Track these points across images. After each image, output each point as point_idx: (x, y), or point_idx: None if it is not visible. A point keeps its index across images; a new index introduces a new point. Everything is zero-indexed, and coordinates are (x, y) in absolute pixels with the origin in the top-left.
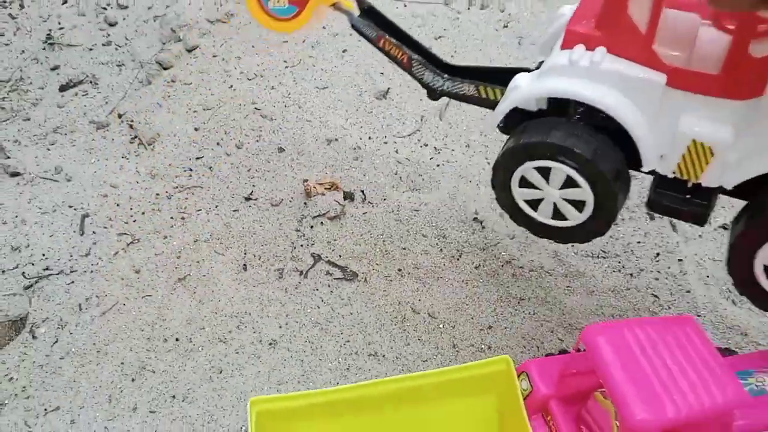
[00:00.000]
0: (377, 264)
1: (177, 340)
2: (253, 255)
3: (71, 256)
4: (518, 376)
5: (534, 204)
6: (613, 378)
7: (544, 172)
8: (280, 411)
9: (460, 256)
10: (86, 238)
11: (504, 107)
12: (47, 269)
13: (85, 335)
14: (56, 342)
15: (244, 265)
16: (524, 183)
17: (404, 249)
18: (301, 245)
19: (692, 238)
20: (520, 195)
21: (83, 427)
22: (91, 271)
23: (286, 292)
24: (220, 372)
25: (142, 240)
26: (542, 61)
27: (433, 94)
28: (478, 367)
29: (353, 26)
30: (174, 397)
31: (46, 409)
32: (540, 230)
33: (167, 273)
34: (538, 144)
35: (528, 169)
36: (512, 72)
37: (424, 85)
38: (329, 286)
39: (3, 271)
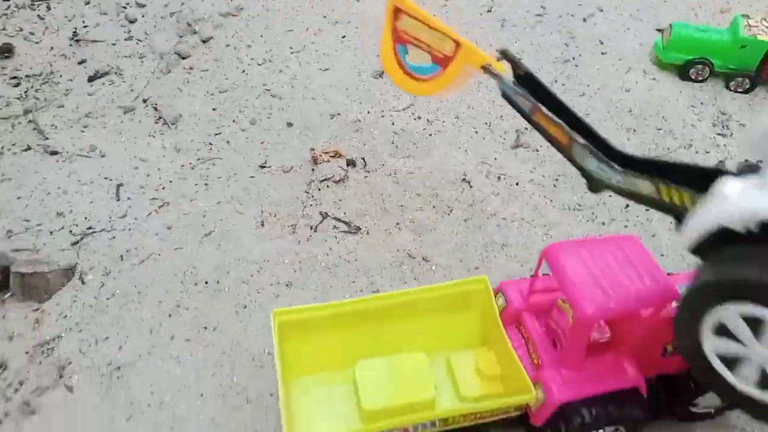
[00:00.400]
0: (378, 219)
1: (206, 283)
2: (269, 214)
3: (110, 218)
4: (495, 295)
5: (731, 363)
6: (568, 281)
7: (755, 323)
8: (298, 321)
9: (450, 211)
10: (122, 203)
11: (706, 225)
12: (90, 228)
13: (127, 280)
14: (102, 286)
15: (262, 222)
16: (722, 331)
17: (401, 206)
18: (311, 205)
19: None
20: (713, 347)
21: (129, 353)
22: (129, 229)
23: (299, 244)
24: (245, 308)
25: (171, 203)
26: (746, 161)
27: (597, 186)
28: (460, 285)
29: (503, 94)
30: (205, 328)
31: (97, 340)
32: (734, 396)
33: (195, 229)
34: (759, 284)
35: (731, 314)
36: (710, 173)
37: (585, 174)
38: (336, 237)
39: (51, 233)
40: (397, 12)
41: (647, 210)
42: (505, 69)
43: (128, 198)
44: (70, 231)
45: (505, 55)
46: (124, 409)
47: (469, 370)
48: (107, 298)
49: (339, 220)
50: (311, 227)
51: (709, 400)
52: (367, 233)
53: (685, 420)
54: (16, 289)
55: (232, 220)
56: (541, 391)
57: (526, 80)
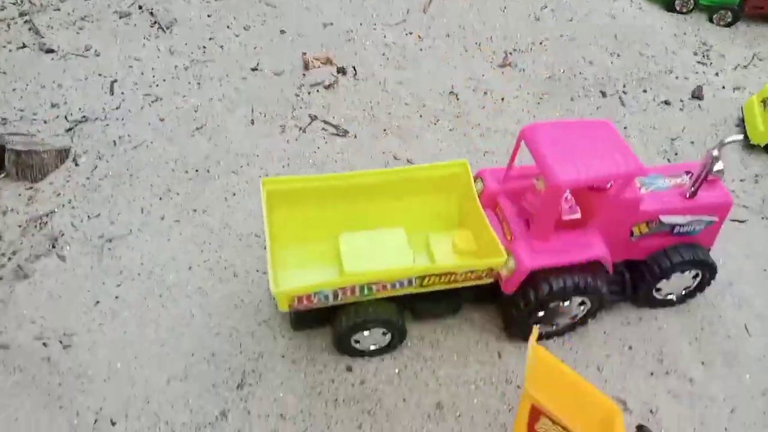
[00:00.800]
0: (366, 125)
1: (196, 171)
2: (259, 113)
3: (104, 109)
4: (474, 180)
5: None
6: (542, 153)
7: None
8: (285, 192)
9: (437, 121)
10: (116, 97)
11: None
12: (84, 117)
13: (120, 164)
14: (95, 168)
15: (252, 120)
16: None
17: (389, 114)
18: (300, 107)
19: (636, 111)
20: None
21: (121, 228)
22: (123, 119)
23: (288, 143)
24: (233, 195)
25: (164, 99)
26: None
27: None
28: (441, 168)
29: None
30: (195, 210)
31: (89, 216)
32: None
33: (187, 123)
34: None
35: None
36: None
37: None
38: (324, 138)
39: (45, 121)
40: (535, 412)
41: (625, 128)
42: None
43: (122, 93)
44: (65, 118)
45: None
46: (115, 276)
47: (446, 246)
48: (100, 179)
49: (328, 123)
50: (300, 128)
51: (671, 287)
52: (355, 137)
53: (648, 305)
54: (11, 168)
55: (223, 117)
56: (513, 260)
57: None
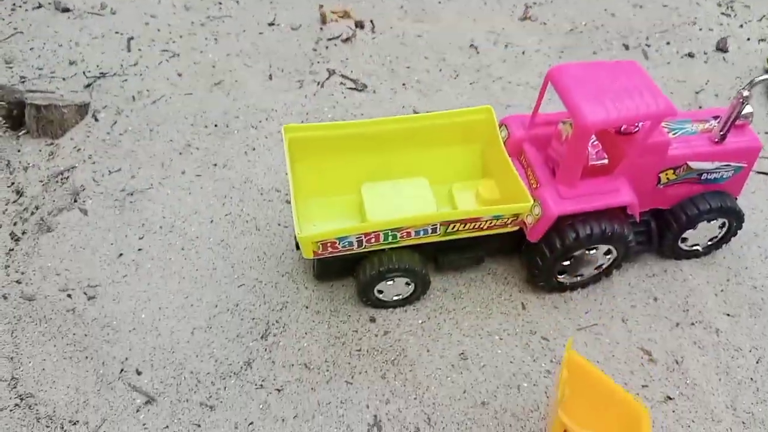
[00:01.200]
0: (384, 79)
1: (216, 126)
2: (276, 68)
3: (121, 65)
4: (499, 127)
5: None
6: (569, 94)
7: None
8: (307, 140)
9: (457, 75)
10: (133, 53)
11: None
12: (102, 73)
13: (140, 118)
14: (115, 123)
15: (270, 75)
16: None
17: (408, 68)
18: (318, 62)
19: (660, 64)
20: None
21: (142, 182)
22: (141, 74)
23: (306, 98)
24: (253, 149)
25: (182, 55)
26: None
27: None
28: (465, 114)
29: None
30: (215, 165)
31: (110, 171)
32: None
33: (205, 78)
34: None
35: None
36: None
37: None
38: (343, 93)
39: (64, 79)
40: None
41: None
42: None
43: (139, 49)
44: (84, 74)
45: None
46: (137, 229)
47: (470, 197)
48: (120, 134)
49: (346, 77)
50: (318, 83)
51: (697, 237)
52: (374, 92)
53: (673, 257)
54: (32, 124)
55: (241, 72)
56: (539, 206)
57: None
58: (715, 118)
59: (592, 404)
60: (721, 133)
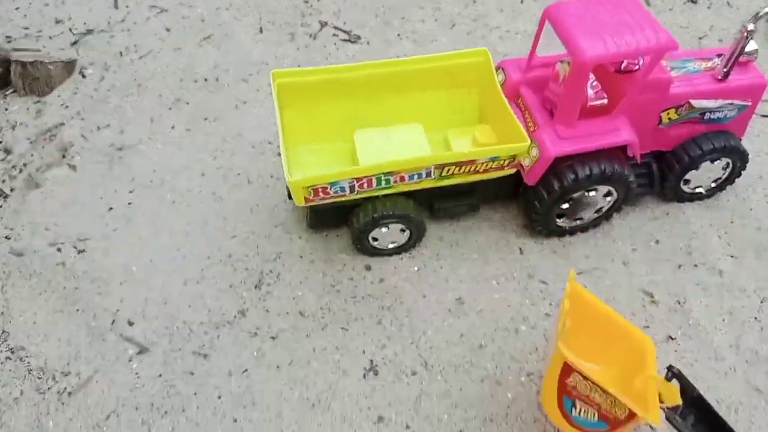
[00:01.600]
0: (378, 30)
1: (206, 80)
2: (267, 21)
3: (108, 22)
4: (495, 71)
5: None
6: (567, 30)
7: None
8: (297, 85)
9: (453, 25)
10: (120, 11)
11: None
12: (89, 30)
13: (127, 74)
14: (103, 79)
15: (260, 28)
16: None
17: (403, 18)
18: (310, 14)
19: (663, 10)
20: None
21: (131, 137)
22: (128, 30)
23: (298, 50)
24: (244, 103)
25: (170, 10)
26: None
27: None
28: (461, 56)
29: (667, 418)
30: (205, 119)
31: (98, 127)
32: None
33: (194, 32)
34: None
35: None
36: None
37: None
38: (335, 45)
39: (50, 37)
40: (567, 368)
41: None
42: (680, 400)
43: (126, 6)
44: (71, 31)
45: (676, 376)
46: (127, 184)
47: (466, 142)
48: (108, 90)
49: (339, 29)
50: (310, 35)
51: (700, 179)
52: (367, 43)
53: (676, 200)
54: (18, 81)
55: (231, 26)
56: (536, 148)
57: (697, 403)
58: (719, 56)
59: (594, 337)
60: (725, 69)
